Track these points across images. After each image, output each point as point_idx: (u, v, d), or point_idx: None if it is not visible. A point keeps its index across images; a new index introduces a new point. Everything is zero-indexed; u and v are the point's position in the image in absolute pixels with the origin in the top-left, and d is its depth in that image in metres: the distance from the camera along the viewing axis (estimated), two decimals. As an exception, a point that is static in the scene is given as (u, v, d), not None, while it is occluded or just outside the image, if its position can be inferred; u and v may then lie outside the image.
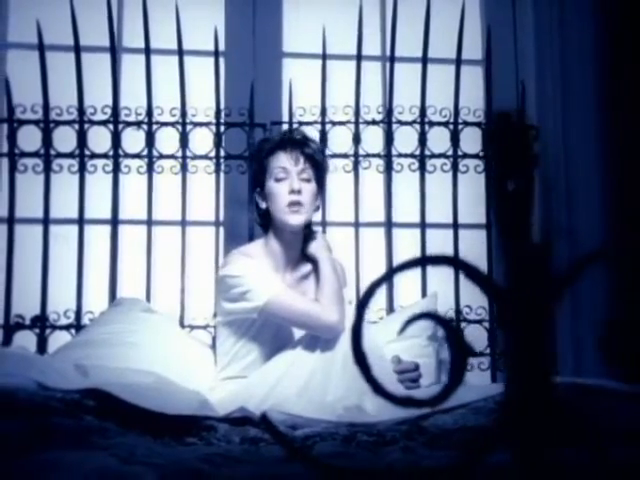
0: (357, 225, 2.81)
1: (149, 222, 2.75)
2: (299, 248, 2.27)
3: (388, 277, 0.66)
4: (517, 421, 0.58)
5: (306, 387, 1.99)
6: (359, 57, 2.82)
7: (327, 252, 2.22)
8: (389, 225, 2.83)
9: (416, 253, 2.78)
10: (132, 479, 0.85)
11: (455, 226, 2.79)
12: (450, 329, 0.67)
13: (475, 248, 2.79)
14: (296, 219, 2.20)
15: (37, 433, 1.26)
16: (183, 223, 2.75)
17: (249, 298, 2.10)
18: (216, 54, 2.79)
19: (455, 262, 0.70)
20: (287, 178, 2.21)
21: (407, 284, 2.75)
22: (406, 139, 2.82)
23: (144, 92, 2.77)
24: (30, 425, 1.28)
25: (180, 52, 2.78)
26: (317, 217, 2.63)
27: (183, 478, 0.90)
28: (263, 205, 2.27)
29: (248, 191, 2.50)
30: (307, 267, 2.28)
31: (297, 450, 0.79)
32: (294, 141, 2.26)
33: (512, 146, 0.64)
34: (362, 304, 0.65)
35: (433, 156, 2.82)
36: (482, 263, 2.76)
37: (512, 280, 0.63)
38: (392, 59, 2.84)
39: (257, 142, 2.51)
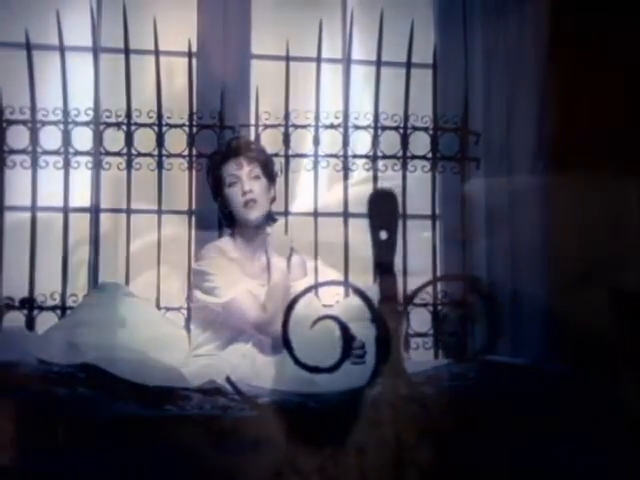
0: (316, 215, 3.07)
1: (128, 211, 2.97)
2: (263, 239, 2.62)
3: (306, 292, 0.97)
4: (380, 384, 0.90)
5: (267, 364, 2.31)
6: (319, 62, 3.03)
7: (281, 257, 2.54)
8: (345, 215, 3.10)
9: (368, 240, 3.07)
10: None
11: (404, 217, 3.05)
12: (341, 325, 0.99)
13: (422, 238, 3.08)
14: (253, 214, 2.58)
15: (45, 399, 1.55)
16: (159, 212, 2.98)
17: (216, 294, 2.47)
18: (189, 63, 2.99)
19: (346, 284, 1.01)
20: (237, 182, 2.58)
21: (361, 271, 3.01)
22: (361, 141, 3.08)
23: (121, 90, 2.94)
24: (39, 392, 1.57)
25: (157, 62, 2.96)
26: (281, 207, 2.92)
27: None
28: (226, 210, 2.64)
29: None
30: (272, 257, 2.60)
31: (253, 401, 1.10)
32: (237, 149, 2.62)
33: (383, 209, 0.95)
34: (288, 310, 0.97)
35: (385, 157, 3.08)
36: (427, 253, 3.06)
37: (382, 296, 0.95)
38: (348, 67, 3.08)
39: (209, 157, 2.82)
